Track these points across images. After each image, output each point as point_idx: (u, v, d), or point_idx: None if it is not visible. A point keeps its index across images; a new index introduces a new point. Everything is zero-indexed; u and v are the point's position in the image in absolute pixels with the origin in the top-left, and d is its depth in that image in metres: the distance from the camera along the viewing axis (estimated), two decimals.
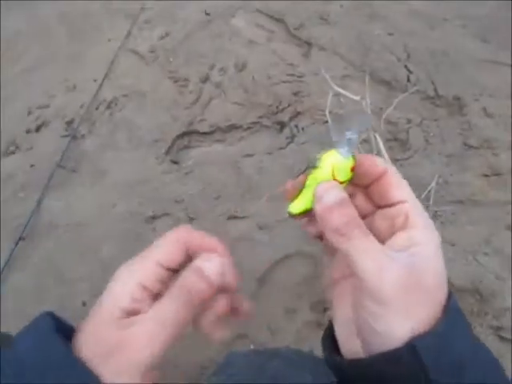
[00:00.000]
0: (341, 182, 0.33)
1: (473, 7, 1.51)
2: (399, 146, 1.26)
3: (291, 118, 1.34)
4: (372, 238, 0.30)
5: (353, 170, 0.33)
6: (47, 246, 1.22)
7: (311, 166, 0.34)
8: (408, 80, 1.37)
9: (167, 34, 1.58)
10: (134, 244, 1.19)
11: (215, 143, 1.35)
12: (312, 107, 1.34)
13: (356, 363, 0.31)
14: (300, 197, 0.35)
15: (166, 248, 0.33)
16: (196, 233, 0.34)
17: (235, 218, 1.19)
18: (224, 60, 1.49)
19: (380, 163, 0.34)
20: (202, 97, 1.42)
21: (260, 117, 1.36)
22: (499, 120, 1.27)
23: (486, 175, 1.20)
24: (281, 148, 1.31)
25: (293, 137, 1.32)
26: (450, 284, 1.05)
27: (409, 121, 1.29)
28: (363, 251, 0.30)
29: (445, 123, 1.28)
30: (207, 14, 1.61)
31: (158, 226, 1.21)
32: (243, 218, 1.19)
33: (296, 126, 1.33)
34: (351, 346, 0.32)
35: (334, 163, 0.33)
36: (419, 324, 0.29)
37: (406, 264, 0.29)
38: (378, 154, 1.18)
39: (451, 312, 0.29)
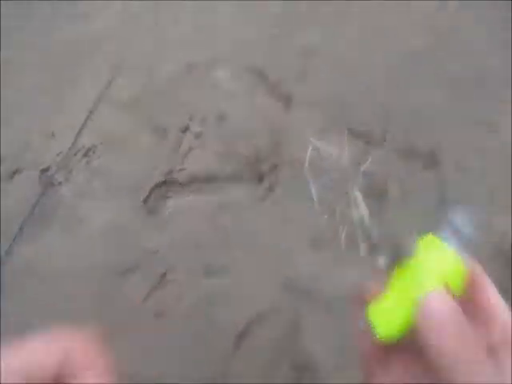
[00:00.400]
0: (453, 292, 0.25)
1: (449, 65, 1.57)
2: (375, 201, 1.27)
3: (270, 170, 1.35)
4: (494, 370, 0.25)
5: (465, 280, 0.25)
6: (17, 296, 1.17)
7: (403, 254, 0.25)
8: (384, 135, 1.40)
9: (148, 83, 1.60)
10: (105, 299, 1.15)
11: (193, 193, 1.33)
12: (291, 160, 1.35)
13: None
14: (388, 305, 0.24)
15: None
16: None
17: (211, 271, 1.16)
18: (204, 111, 1.51)
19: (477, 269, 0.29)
20: (181, 147, 1.43)
21: (239, 168, 1.36)
22: (470, 175, 1.30)
23: None
24: (260, 200, 1.30)
25: (272, 188, 1.32)
26: None
27: (385, 176, 1.31)
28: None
29: (421, 178, 1.30)
30: (188, 65, 1.64)
31: (130, 278, 1.17)
32: (219, 271, 1.16)
33: (276, 178, 1.34)
34: None
35: (444, 266, 0.24)
36: None
37: None
38: (357, 207, 1.19)
39: None
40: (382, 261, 1.22)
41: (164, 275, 1.17)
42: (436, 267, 0.23)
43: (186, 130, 1.46)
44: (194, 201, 1.33)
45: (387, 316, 0.23)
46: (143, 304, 1.12)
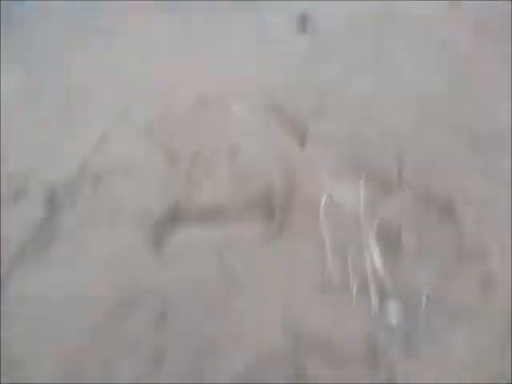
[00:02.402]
0: None
1: (464, 113, 1.55)
2: (390, 249, 1.22)
3: (282, 209, 1.31)
4: None
5: None
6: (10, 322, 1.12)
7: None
8: (401, 181, 1.37)
9: (164, 112, 1.58)
10: (104, 335, 1.10)
11: (202, 228, 1.29)
12: (304, 199, 1.31)
13: None
14: None
15: None
16: None
17: (213, 314, 1.11)
18: (218, 143, 1.48)
19: None
20: (192, 178, 1.39)
21: (250, 204, 1.33)
22: (490, 228, 1.26)
23: (481, 285, 1.16)
24: (269, 239, 1.26)
25: (283, 228, 1.28)
26: None
27: (401, 224, 1.26)
28: None
29: (438, 229, 1.26)
30: (206, 96, 1.63)
31: (130, 315, 1.12)
32: (222, 315, 1.11)
33: (287, 217, 1.30)
34: None
35: None
36: None
37: None
38: (370, 256, 1.14)
39: None
40: (393, 311, 1.16)
41: (164, 315, 1.12)
42: None
43: (197, 162, 1.43)
44: (201, 235, 1.28)
45: None
46: (140, 344, 1.07)
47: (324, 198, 1.07)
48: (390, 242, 1.21)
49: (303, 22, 1.90)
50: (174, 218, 1.32)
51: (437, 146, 1.48)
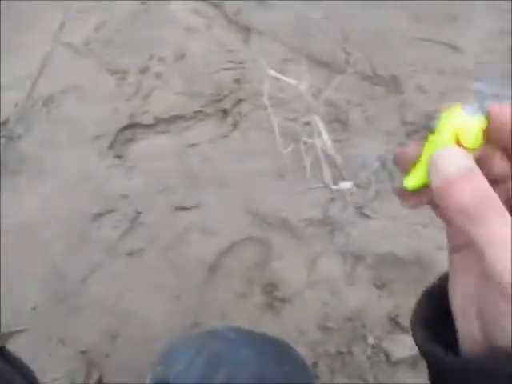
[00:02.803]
0: (467, 149, 0.26)
1: None
2: (340, 126, 1.28)
3: (233, 105, 1.34)
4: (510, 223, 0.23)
5: (485, 132, 0.26)
6: None
7: (428, 127, 0.27)
8: (346, 62, 1.39)
9: (102, 25, 1.53)
10: (81, 243, 1.17)
11: (159, 135, 1.33)
12: (253, 93, 1.34)
13: (472, 363, 0.24)
14: (416, 167, 0.27)
15: None
16: None
17: (182, 208, 1.19)
18: (162, 49, 1.46)
19: None
20: (142, 88, 1.40)
21: (202, 106, 1.35)
22: (433, 95, 1.31)
23: None
24: (225, 136, 1.31)
25: (236, 124, 1.32)
26: (394, 256, 1.10)
27: (348, 101, 1.31)
28: (496, 243, 0.23)
29: (383, 102, 1.32)
30: (143, 3, 1.57)
31: (103, 223, 1.19)
32: (190, 208, 1.19)
33: (239, 113, 1.33)
34: (467, 326, 0.26)
35: (458, 125, 0.26)
36: None
37: None
38: (319, 135, 1.21)
39: None
40: (345, 185, 1.26)
41: (136, 218, 1.20)
42: (452, 131, 0.25)
43: (145, 70, 1.43)
44: (160, 142, 1.33)
45: (414, 174, 0.26)
46: (117, 246, 1.15)
47: (267, 87, 1.10)
48: (339, 120, 1.27)
49: None
50: (131, 130, 1.35)
51: (380, 24, 1.49)
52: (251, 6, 1.53)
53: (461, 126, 0.25)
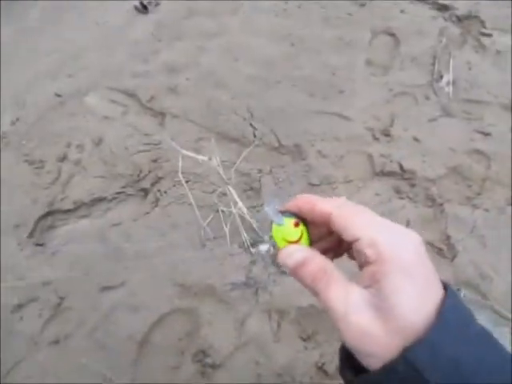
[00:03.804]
0: (296, 241, 0.38)
1: (298, 70, 1.76)
2: (254, 193, 1.39)
3: (153, 184, 1.42)
4: (340, 284, 0.34)
5: (297, 225, 0.38)
6: None
7: (273, 245, 0.46)
8: (254, 135, 1.54)
9: (18, 119, 1.58)
10: (4, 337, 1.13)
11: (80, 219, 1.35)
12: (171, 171, 1.43)
13: (363, 379, 0.33)
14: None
15: None
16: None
17: (107, 288, 1.20)
18: (80, 137, 1.53)
19: (320, 205, 0.37)
20: (61, 176, 1.44)
21: (123, 187, 1.41)
22: (332, 159, 1.48)
23: None
24: (146, 213, 1.36)
25: (157, 201, 1.39)
26: (315, 308, 1.17)
27: (260, 170, 1.44)
28: (330, 300, 0.33)
29: (290, 168, 1.46)
30: (58, 96, 1.65)
31: (26, 313, 1.16)
32: (115, 287, 1.20)
33: (159, 191, 1.41)
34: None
35: (281, 233, 0.38)
36: (409, 339, 0.30)
37: (372, 304, 0.32)
38: (235, 204, 1.30)
39: (445, 312, 0.31)
40: (264, 247, 1.34)
41: (59, 304, 1.18)
42: (279, 238, 0.38)
43: (63, 158, 1.47)
44: (82, 225, 1.35)
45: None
46: (42, 335, 1.12)
47: (182, 165, 1.19)
48: (252, 188, 1.39)
49: (143, 4, 1.96)
50: (51, 217, 1.37)
51: (280, 100, 1.68)
52: (163, 93, 1.66)
53: (283, 233, 0.38)
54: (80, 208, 1.37)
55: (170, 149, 1.47)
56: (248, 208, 1.31)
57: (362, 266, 0.34)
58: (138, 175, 1.44)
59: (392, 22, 1.92)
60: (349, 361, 0.35)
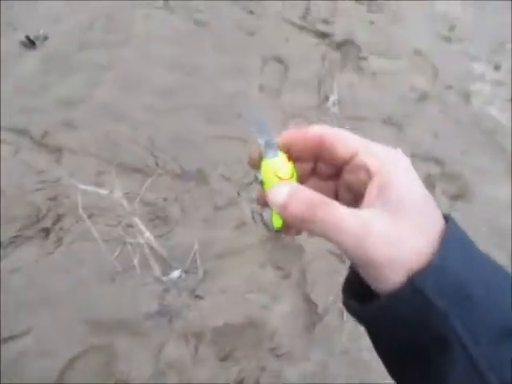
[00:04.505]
0: (289, 178, 0.34)
1: (196, 97, 1.82)
2: (161, 222, 1.41)
3: (54, 223, 1.37)
4: (339, 208, 0.30)
5: (290, 159, 0.35)
6: None
7: (257, 178, 0.36)
8: (156, 164, 1.56)
9: None
10: None
11: None
12: (72, 208, 1.39)
13: (367, 308, 0.31)
14: (274, 213, 0.34)
15: None
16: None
17: (12, 338, 1.13)
18: None
19: (311, 129, 0.34)
20: None
21: (20, 229, 1.34)
22: (235, 181, 1.55)
23: (237, 227, 1.44)
24: (49, 253, 1.31)
25: (60, 239, 1.34)
26: (230, 326, 1.21)
27: (165, 199, 1.46)
28: (336, 228, 0.29)
29: (195, 193, 1.50)
30: None
31: None
32: (21, 335, 1.14)
33: (61, 229, 1.36)
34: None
35: (272, 168, 0.34)
36: (417, 263, 0.29)
37: (382, 222, 0.29)
38: (142, 234, 1.30)
39: (449, 239, 0.30)
40: (175, 274, 1.36)
41: None
42: (270, 173, 0.33)
43: None
44: None
45: (275, 216, 0.35)
46: None
47: (81, 201, 1.17)
48: (158, 216, 1.40)
49: (29, 39, 1.90)
50: None
51: (181, 128, 1.72)
52: (58, 128, 1.62)
53: (274, 168, 0.34)
54: None
55: (69, 185, 1.43)
56: (155, 237, 1.32)
57: (357, 194, 0.34)
58: (37, 215, 1.38)
59: (280, 50, 2.07)
60: (352, 292, 0.34)
